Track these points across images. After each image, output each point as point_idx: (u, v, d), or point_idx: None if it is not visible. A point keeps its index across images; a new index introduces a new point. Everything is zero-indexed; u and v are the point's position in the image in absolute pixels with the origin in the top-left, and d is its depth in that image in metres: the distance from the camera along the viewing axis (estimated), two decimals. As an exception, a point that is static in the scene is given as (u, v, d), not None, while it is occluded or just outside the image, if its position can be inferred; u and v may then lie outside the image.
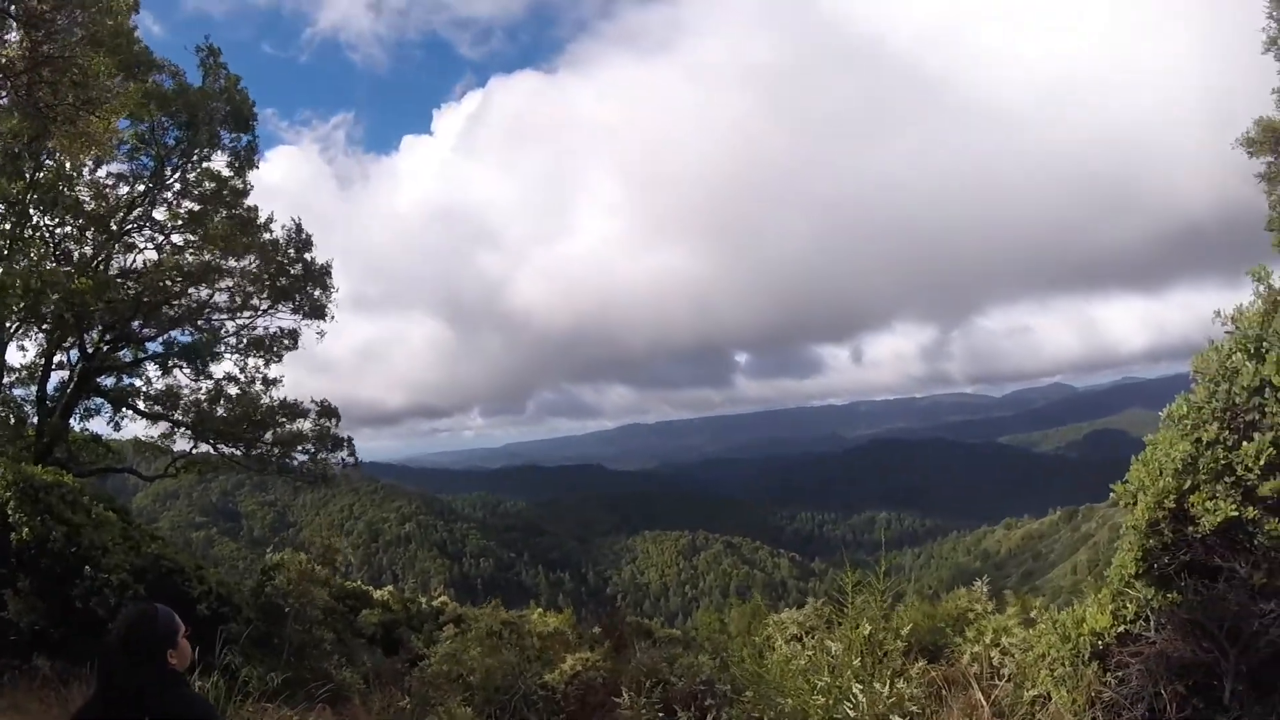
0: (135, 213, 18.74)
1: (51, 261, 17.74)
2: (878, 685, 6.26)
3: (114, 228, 18.54)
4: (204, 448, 20.39)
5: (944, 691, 7.44)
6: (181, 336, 20.08)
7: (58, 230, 18.20)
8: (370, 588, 26.33)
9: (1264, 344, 5.93)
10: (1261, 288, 6.32)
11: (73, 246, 18.48)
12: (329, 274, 20.19)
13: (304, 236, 19.99)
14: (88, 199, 18.12)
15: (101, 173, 18.41)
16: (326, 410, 20.66)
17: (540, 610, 25.75)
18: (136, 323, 19.18)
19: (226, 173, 19.03)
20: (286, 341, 20.25)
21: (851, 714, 6.11)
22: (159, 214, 18.98)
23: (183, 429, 19.91)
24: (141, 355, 20.01)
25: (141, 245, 19.06)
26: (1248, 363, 5.90)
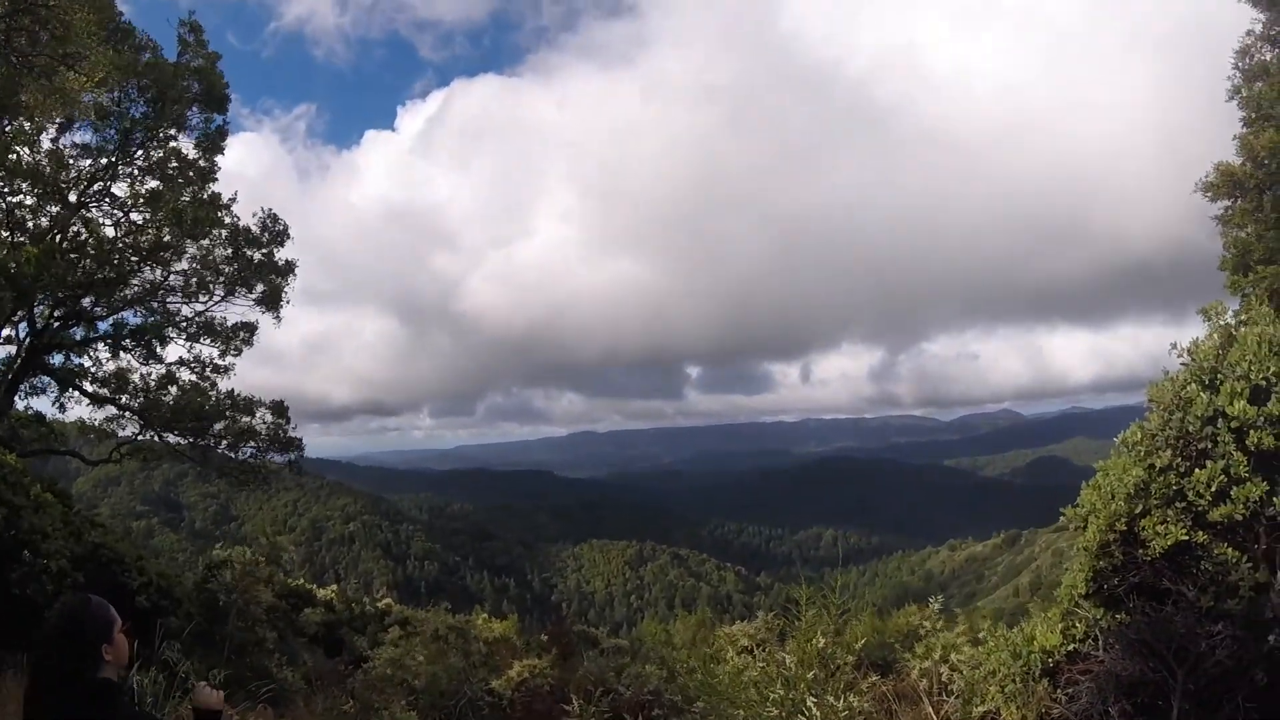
0: (96, 186, 18.31)
1: (5, 231, 17.27)
2: (831, 698, 6.29)
3: (73, 200, 18.09)
4: (149, 435, 19.96)
5: (894, 706, 7.51)
6: (133, 318, 19.65)
7: (12, 199, 17.66)
8: (313, 587, 25.96)
9: (1218, 376, 6.10)
10: (1218, 323, 6.50)
11: (28, 217, 17.96)
12: (293, 270, 19.93)
13: (280, 228, 19.72)
14: (47, 167, 17.63)
15: (64, 142, 17.98)
16: (278, 409, 20.36)
17: (485, 616, 25.54)
18: (88, 300, 18.72)
19: (193, 153, 18.69)
20: (244, 334, 19.93)
21: (806, 726, 6.14)
22: (119, 189, 18.56)
23: (129, 414, 19.48)
24: (92, 335, 19.54)
25: (100, 221, 18.62)
26: (1202, 393, 6.06)
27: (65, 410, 19.61)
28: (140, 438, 19.94)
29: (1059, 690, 6.47)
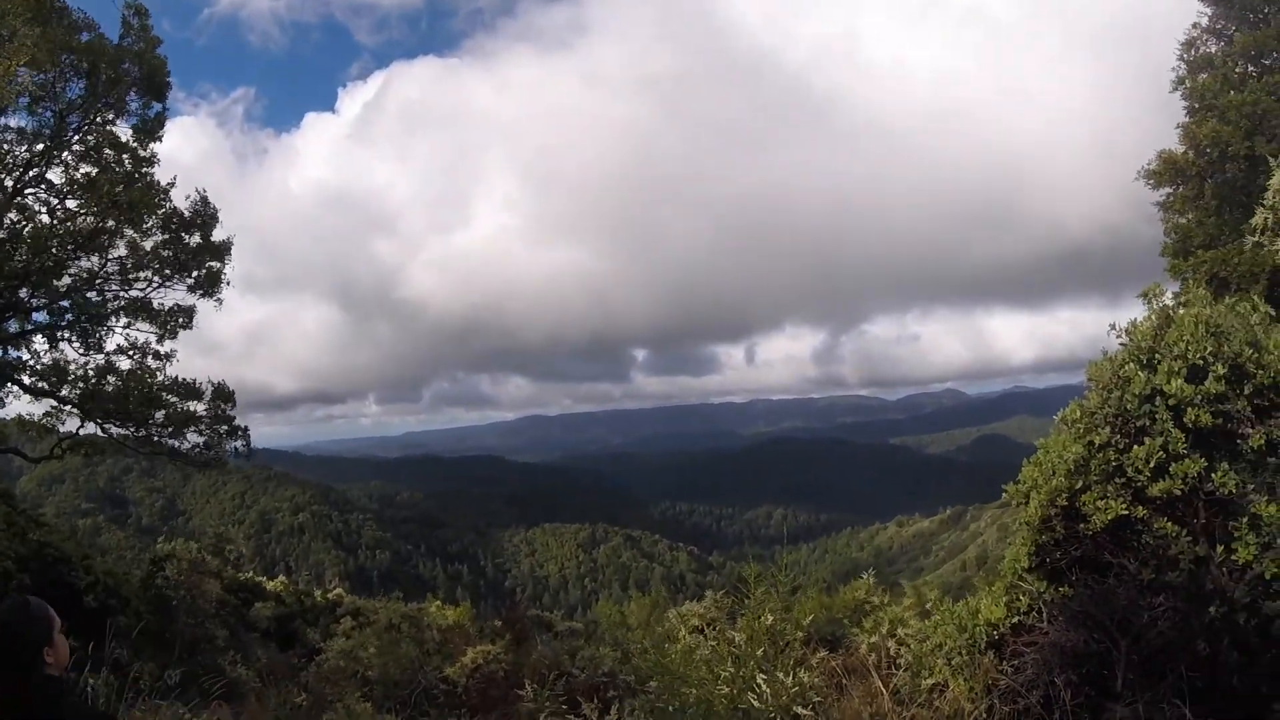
0: (31, 173, 17.77)
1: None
2: (781, 675, 6.37)
3: (8, 187, 17.53)
4: (92, 427, 19.51)
5: (844, 681, 7.62)
6: (70, 307, 19.13)
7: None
8: (263, 579, 25.65)
9: (1156, 356, 6.25)
10: (1157, 305, 6.67)
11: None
12: (229, 251, 19.57)
13: (210, 211, 19.31)
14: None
15: (-1, 126, 17.39)
16: (221, 392, 20.00)
17: (439, 603, 25.46)
18: (24, 291, 18.19)
19: (130, 139, 18.23)
20: (181, 319, 19.51)
21: (756, 704, 6.20)
22: (54, 176, 18.01)
23: (70, 406, 19.02)
24: (28, 326, 19.00)
25: (35, 208, 18.09)
26: (1140, 372, 6.20)
27: (4, 405, 19.11)
28: (82, 431, 19.48)
29: (1005, 662, 6.61)
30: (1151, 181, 17.28)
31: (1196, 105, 16.62)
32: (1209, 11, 17.09)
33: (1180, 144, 16.85)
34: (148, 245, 18.78)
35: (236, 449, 20.56)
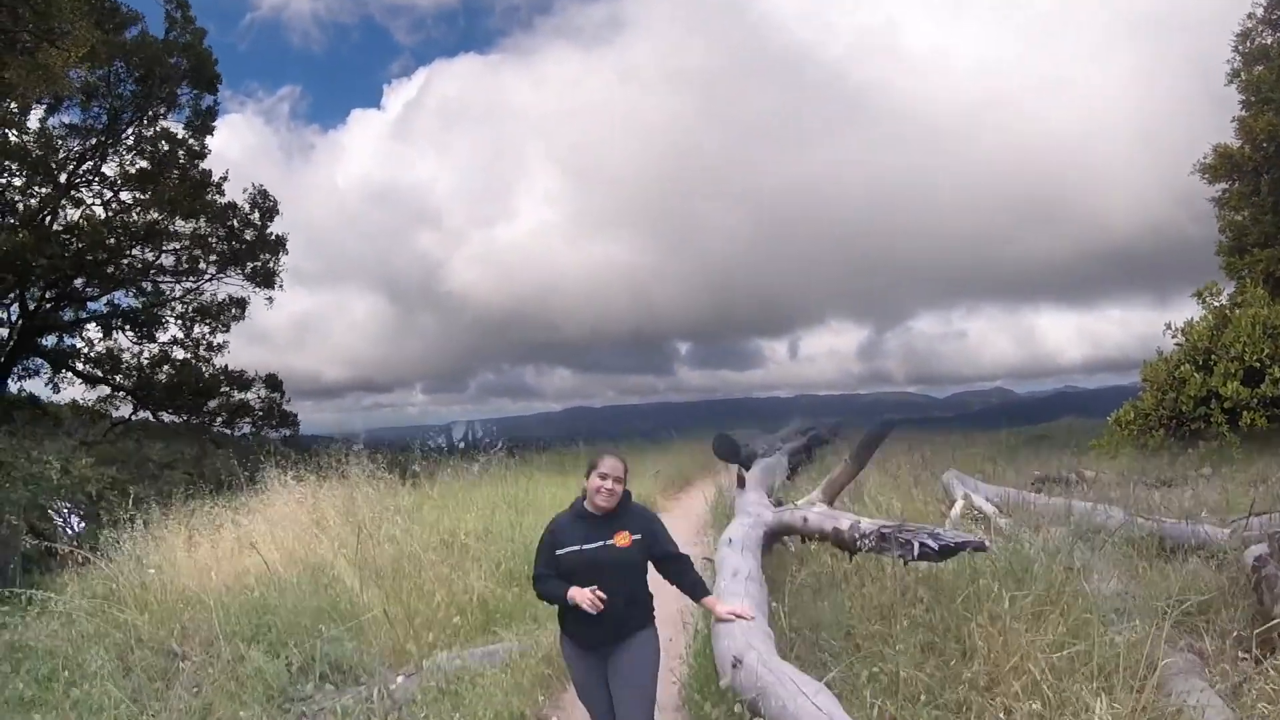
0: (85, 166, 18.08)
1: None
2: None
3: (62, 180, 17.86)
4: (144, 414, 19.82)
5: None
6: (125, 298, 19.44)
7: (1, 180, 17.38)
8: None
9: (1212, 357, 6.12)
10: (1213, 304, 6.53)
11: (17, 198, 17.72)
12: (284, 244, 19.78)
13: (269, 203, 19.52)
14: (36, 149, 17.36)
15: (53, 122, 17.72)
16: (273, 383, 20.24)
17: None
18: (79, 281, 18.51)
19: (182, 132, 18.47)
20: (234, 311, 19.76)
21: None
22: (109, 169, 18.31)
23: (123, 393, 19.34)
24: (83, 315, 19.34)
25: (90, 201, 18.39)
26: (1196, 374, 6.09)
27: (59, 391, 19.47)
28: (135, 417, 19.78)
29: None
30: (1207, 176, 16.79)
31: (1252, 98, 16.11)
32: (1264, 1, 16.55)
33: (1236, 138, 16.35)
34: (202, 238, 19.05)
35: (285, 437, 20.77)
